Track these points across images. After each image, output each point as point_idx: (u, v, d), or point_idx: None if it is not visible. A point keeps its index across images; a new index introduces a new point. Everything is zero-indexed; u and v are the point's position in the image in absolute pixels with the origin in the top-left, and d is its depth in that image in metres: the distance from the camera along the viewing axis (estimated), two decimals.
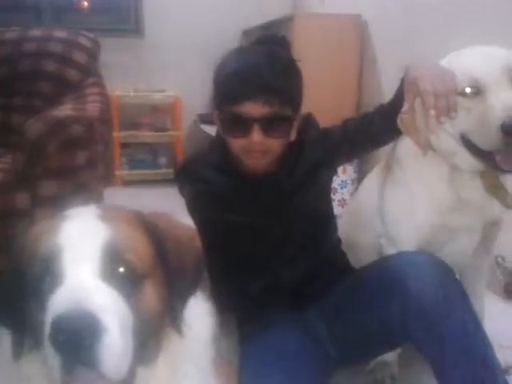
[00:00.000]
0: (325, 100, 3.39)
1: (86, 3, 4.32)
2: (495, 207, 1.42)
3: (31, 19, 4.19)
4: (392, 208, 1.55)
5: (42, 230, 0.95)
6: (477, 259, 1.63)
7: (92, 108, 2.26)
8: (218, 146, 1.50)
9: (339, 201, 3.31)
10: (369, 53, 3.51)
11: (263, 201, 1.46)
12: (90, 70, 2.65)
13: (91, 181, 2.11)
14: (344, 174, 3.36)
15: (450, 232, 1.48)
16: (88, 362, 0.81)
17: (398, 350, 1.65)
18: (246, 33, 4.39)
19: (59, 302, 0.83)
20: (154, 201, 3.26)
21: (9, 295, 0.96)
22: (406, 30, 3.09)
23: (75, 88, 2.53)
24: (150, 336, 0.96)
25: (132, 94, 4.19)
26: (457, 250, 1.50)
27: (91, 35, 2.76)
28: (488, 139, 1.26)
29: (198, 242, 1.13)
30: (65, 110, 2.10)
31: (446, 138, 1.38)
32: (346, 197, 3.33)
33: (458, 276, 1.74)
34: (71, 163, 1.91)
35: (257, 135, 1.33)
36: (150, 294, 0.95)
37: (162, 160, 4.42)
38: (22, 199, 1.88)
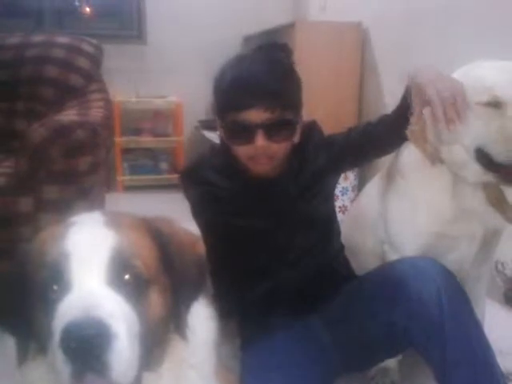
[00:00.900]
0: (325, 107, 3.41)
1: (88, 8, 4.34)
2: (496, 218, 1.43)
3: (33, 24, 4.20)
4: (394, 216, 1.56)
5: (49, 237, 0.96)
6: (477, 267, 1.64)
7: (95, 114, 2.28)
8: (222, 150, 1.52)
9: (340, 207, 3.32)
10: (369, 60, 3.53)
11: (267, 204, 1.47)
12: (93, 76, 2.66)
13: (94, 186, 2.11)
14: (345, 181, 3.37)
15: (450, 240, 1.49)
16: (98, 369, 0.81)
17: (399, 357, 1.66)
18: (247, 39, 4.41)
19: (68, 309, 0.84)
20: (156, 206, 3.26)
21: (13, 300, 0.96)
22: (406, 37, 3.11)
23: (78, 94, 2.54)
24: (155, 341, 0.97)
25: (134, 99, 4.21)
26: (457, 258, 1.51)
27: (94, 41, 2.77)
28: (506, 152, 1.27)
29: (201, 248, 1.14)
30: (68, 115, 2.12)
31: (457, 150, 1.37)
32: (347, 203, 3.34)
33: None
34: (74, 168, 1.92)
35: (261, 141, 1.35)
36: (156, 299, 0.96)
37: (163, 165, 4.44)
38: (25, 203, 1.89)
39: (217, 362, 1.28)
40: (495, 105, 1.29)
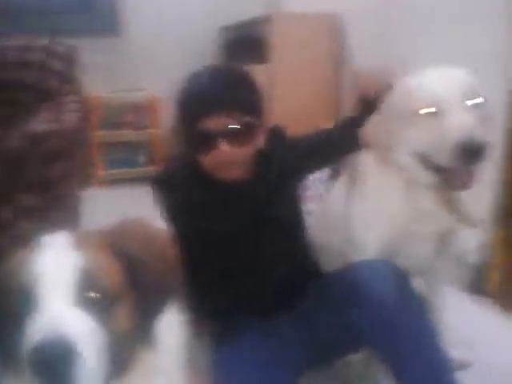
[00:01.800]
0: (301, 99, 3.45)
1: None
2: (450, 219, 1.51)
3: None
4: (356, 217, 1.62)
5: (17, 261, 0.99)
6: (437, 261, 1.72)
7: (70, 118, 2.31)
8: (189, 160, 1.56)
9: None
10: (345, 52, 3.56)
11: (236, 209, 1.53)
12: (68, 78, 2.67)
13: (70, 190, 2.16)
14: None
15: (408, 240, 1.56)
16: None
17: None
18: (224, 30, 4.41)
19: (36, 330, 0.88)
20: (134, 200, 3.27)
21: None
22: (382, 28, 3.12)
23: (54, 96, 2.56)
24: (122, 352, 1.01)
25: (112, 93, 4.22)
26: (415, 255, 1.58)
27: (68, 43, 2.78)
28: (445, 157, 1.34)
29: (169, 262, 1.19)
30: (43, 121, 2.15)
31: (402, 154, 1.46)
32: None
33: (420, 276, 1.84)
34: (50, 175, 1.96)
35: (224, 147, 1.40)
36: (122, 314, 1.00)
37: (142, 158, 4.46)
38: (4, 211, 1.93)
39: (188, 366, 1.36)
40: (434, 112, 1.36)
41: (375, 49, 3.16)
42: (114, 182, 4.27)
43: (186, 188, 1.55)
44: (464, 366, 1.77)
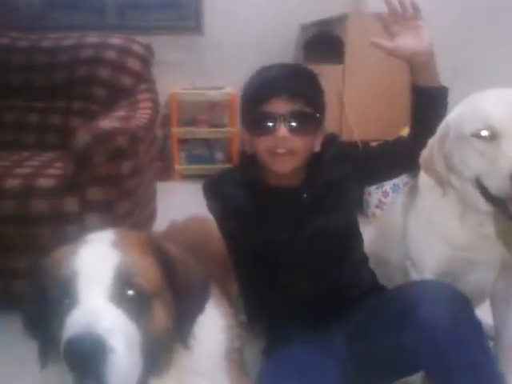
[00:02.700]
0: (377, 102, 3.34)
1: None
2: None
3: (94, 16, 4.38)
4: (413, 234, 1.55)
5: (61, 256, 1.06)
6: (505, 289, 1.59)
7: (140, 116, 2.38)
8: (244, 161, 1.60)
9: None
10: None
11: (283, 215, 1.51)
12: (143, 76, 2.76)
13: (136, 188, 2.22)
14: (397, 178, 3.31)
15: (467, 264, 1.47)
16: (96, 379, 0.90)
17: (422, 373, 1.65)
18: (304, 28, 4.37)
19: (72, 324, 0.93)
20: None
21: (36, 313, 1.08)
22: (463, 31, 3.00)
23: (128, 94, 2.66)
24: (159, 351, 1.05)
25: (191, 90, 4.31)
26: (476, 281, 1.48)
27: (144, 42, 2.87)
28: (498, 186, 1.25)
29: (220, 263, 1.19)
30: (112, 119, 2.22)
31: (463, 180, 1.38)
32: None
33: (487, 302, 1.72)
34: (116, 172, 2.02)
35: (282, 131, 1.41)
36: (159, 313, 1.04)
37: (219, 155, 4.53)
38: (71, 203, 2.02)
39: (231, 367, 1.36)
40: (490, 137, 1.27)
41: (454, 52, 3.01)
42: (192, 176, 4.37)
43: (233, 191, 1.56)
44: None
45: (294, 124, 1.42)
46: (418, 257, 1.54)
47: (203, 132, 4.42)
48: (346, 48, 3.34)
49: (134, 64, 2.72)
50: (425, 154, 1.41)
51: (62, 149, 2.39)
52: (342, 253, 1.57)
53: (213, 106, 4.46)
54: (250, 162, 1.54)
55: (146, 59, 2.80)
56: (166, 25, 4.38)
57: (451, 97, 1.48)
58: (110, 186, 2.04)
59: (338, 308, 1.52)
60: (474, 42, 2.94)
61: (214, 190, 1.61)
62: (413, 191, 1.60)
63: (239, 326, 1.56)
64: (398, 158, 1.54)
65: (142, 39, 2.90)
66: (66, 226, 2.01)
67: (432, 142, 1.41)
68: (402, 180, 3.33)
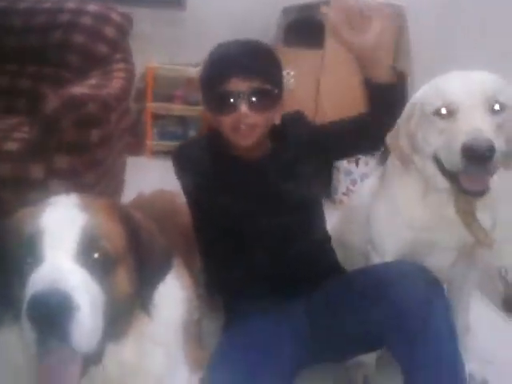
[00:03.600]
0: (355, 88, 3.33)
1: None
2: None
3: None
4: (376, 217, 1.58)
5: (26, 215, 1.05)
6: (463, 272, 1.63)
7: (114, 85, 2.33)
8: (211, 132, 1.64)
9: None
10: (404, 43, 3.42)
11: (249, 185, 1.55)
12: (119, 46, 2.71)
13: (105, 158, 2.18)
14: (366, 167, 3.35)
15: (427, 247, 1.50)
16: (61, 337, 0.90)
17: (378, 353, 1.69)
18: (286, 11, 4.33)
19: (37, 281, 0.92)
20: None
21: None
22: (445, 25, 3.02)
23: (103, 63, 2.60)
24: (120, 315, 1.05)
25: (168, 65, 4.24)
26: (434, 264, 1.50)
27: (123, 11, 2.81)
28: (451, 160, 1.28)
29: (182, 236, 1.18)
30: (84, 86, 2.18)
31: (424, 159, 1.41)
32: None
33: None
34: (85, 140, 1.99)
35: (243, 109, 1.46)
36: (122, 277, 1.04)
37: (192, 133, 4.48)
38: (35, 170, 1.98)
39: (188, 339, 1.37)
40: (448, 114, 1.30)
41: (435, 45, 3.03)
42: (163, 153, 4.32)
43: (202, 158, 1.59)
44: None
45: (254, 101, 1.47)
46: (379, 240, 1.57)
47: (178, 109, 4.35)
48: (326, 33, 3.32)
49: (110, 32, 2.67)
50: (392, 132, 1.45)
51: (31, 114, 2.34)
52: (303, 227, 1.60)
53: (190, 82, 4.38)
54: (216, 134, 1.57)
55: (124, 28, 2.75)
56: None
57: None
58: (78, 154, 2.01)
59: (299, 284, 1.54)
60: (450, 31, 2.96)
61: (182, 155, 1.65)
62: (381, 176, 1.62)
63: (199, 300, 1.58)
64: (357, 136, 1.58)
65: (123, 10, 2.83)
66: (30, 193, 1.97)
67: (399, 121, 1.45)
68: (370, 169, 3.39)
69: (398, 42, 3.45)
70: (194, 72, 4.27)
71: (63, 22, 2.67)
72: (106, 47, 2.65)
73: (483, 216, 1.43)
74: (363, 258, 1.69)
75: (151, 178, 3.05)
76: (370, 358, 1.70)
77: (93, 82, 2.38)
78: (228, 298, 1.67)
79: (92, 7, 2.74)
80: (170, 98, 4.36)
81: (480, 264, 1.63)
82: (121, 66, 2.61)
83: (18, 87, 2.73)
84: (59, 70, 2.66)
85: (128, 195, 2.55)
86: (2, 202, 1.96)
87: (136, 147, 4.13)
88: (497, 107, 1.28)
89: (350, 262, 1.76)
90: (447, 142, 1.29)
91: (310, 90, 3.36)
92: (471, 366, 1.71)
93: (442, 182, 1.40)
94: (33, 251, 0.97)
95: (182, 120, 4.49)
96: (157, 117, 4.35)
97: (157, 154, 4.33)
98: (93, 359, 1.01)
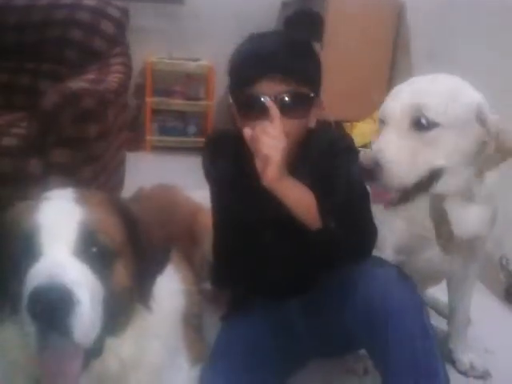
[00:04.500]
0: (356, 78, 3.35)
1: None
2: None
3: None
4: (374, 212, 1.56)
5: (23, 210, 1.04)
6: (463, 265, 1.63)
7: (111, 79, 2.33)
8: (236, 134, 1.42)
9: None
10: (403, 36, 3.42)
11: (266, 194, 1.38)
12: (117, 40, 2.70)
13: (103, 153, 2.18)
14: None
15: (423, 240, 1.48)
16: (61, 331, 0.90)
17: None
18: (285, 5, 4.33)
19: (36, 275, 0.92)
20: (179, 168, 3.33)
21: None
22: (443, 19, 3.01)
23: (100, 57, 2.60)
24: (119, 309, 1.05)
25: (167, 60, 4.23)
26: (428, 259, 1.50)
27: (120, 5, 2.80)
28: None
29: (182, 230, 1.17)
30: (82, 81, 2.17)
31: None
32: None
33: (444, 281, 1.76)
34: (83, 135, 1.99)
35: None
36: (121, 271, 1.04)
37: (192, 128, 4.48)
38: (34, 165, 1.98)
39: (187, 332, 1.37)
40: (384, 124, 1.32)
41: (432, 37, 3.02)
42: (163, 148, 4.32)
43: (233, 158, 1.43)
44: (485, 375, 1.70)
45: (286, 107, 1.26)
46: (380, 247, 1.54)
47: (178, 104, 4.35)
48: (325, 26, 3.32)
49: (107, 27, 2.66)
50: None
51: (30, 110, 2.33)
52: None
53: (189, 77, 4.39)
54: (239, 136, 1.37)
55: (121, 23, 2.74)
56: None
57: None
58: (76, 149, 2.01)
59: (302, 284, 1.51)
60: (449, 26, 2.95)
61: (219, 147, 1.49)
62: None
63: (199, 293, 1.58)
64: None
65: (122, 4, 2.83)
66: (29, 188, 1.97)
67: None
68: None
69: (397, 37, 3.45)
70: (194, 66, 4.28)
71: (60, 18, 2.67)
72: (103, 42, 2.65)
73: (481, 207, 1.41)
74: None
75: (151, 172, 3.04)
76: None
77: (91, 76, 2.37)
78: (233, 293, 1.65)
79: (88, 2, 2.73)
80: (169, 93, 4.35)
81: (480, 256, 1.62)
82: (118, 60, 2.61)
83: (17, 83, 2.73)
84: (57, 66, 2.66)
85: (128, 190, 2.55)
86: (0, 197, 1.96)
87: (136, 142, 4.13)
88: (423, 122, 1.25)
89: None
90: None
91: None
92: (472, 356, 1.71)
93: None
94: (31, 245, 0.97)
95: (182, 115, 4.49)
96: (156, 112, 4.35)
97: (156, 149, 4.34)
98: (93, 353, 1.01)
